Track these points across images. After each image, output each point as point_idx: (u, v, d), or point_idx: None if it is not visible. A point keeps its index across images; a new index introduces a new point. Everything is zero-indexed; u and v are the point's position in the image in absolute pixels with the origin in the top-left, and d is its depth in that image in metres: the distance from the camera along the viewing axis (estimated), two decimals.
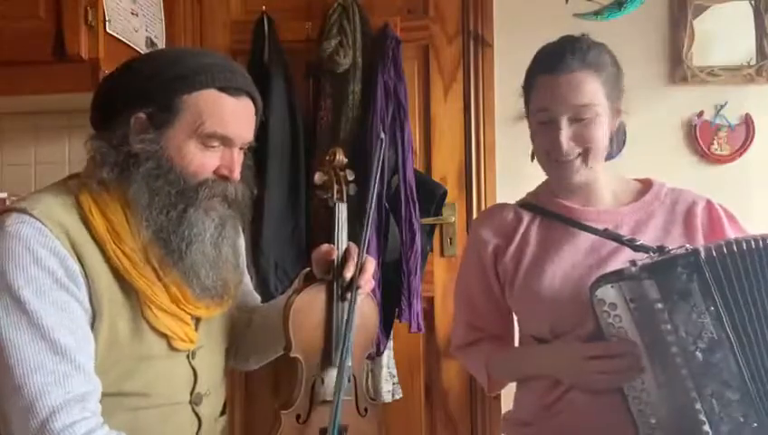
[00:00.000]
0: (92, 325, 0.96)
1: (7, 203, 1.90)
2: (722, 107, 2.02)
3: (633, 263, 1.06)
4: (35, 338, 0.89)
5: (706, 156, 2.03)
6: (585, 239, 1.22)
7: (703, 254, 1.03)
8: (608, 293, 1.06)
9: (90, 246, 0.96)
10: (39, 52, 1.65)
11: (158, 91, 0.99)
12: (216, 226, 1.03)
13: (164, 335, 1.02)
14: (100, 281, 0.96)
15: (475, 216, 2.05)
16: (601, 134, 1.18)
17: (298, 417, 1.14)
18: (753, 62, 2.00)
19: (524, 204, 1.33)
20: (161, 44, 1.99)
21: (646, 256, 1.10)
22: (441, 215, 2.03)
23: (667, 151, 2.01)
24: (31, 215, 0.94)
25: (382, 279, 1.89)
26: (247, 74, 1.07)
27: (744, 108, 2.03)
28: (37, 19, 1.66)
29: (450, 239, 2.07)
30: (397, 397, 1.98)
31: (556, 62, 1.18)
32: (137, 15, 1.85)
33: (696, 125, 2.03)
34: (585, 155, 1.18)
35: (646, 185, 1.29)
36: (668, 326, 1.04)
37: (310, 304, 1.13)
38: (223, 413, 1.19)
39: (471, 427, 2.05)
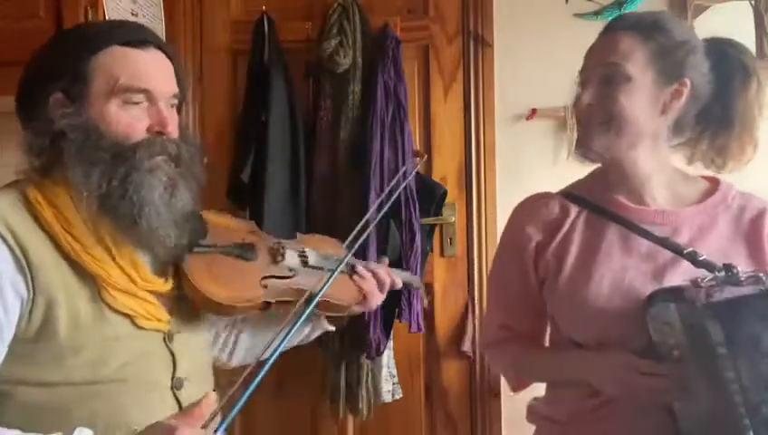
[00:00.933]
0: (47, 312, 0.94)
1: None
2: None
3: (695, 283, 0.96)
4: None
5: None
6: (639, 241, 1.10)
7: None
8: (663, 311, 0.98)
9: (37, 236, 0.95)
10: None
11: (64, 63, 0.97)
12: (164, 185, 1.00)
13: (126, 315, 1.00)
14: (50, 269, 0.95)
15: (475, 216, 2.05)
16: (631, 104, 1.06)
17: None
18: None
19: (572, 195, 1.20)
20: None
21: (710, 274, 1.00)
22: (441, 215, 2.03)
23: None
24: None
25: None
26: (152, 32, 1.06)
27: None
28: (37, 19, 1.66)
29: (450, 239, 2.06)
30: (397, 397, 1.98)
31: (607, 25, 1.12)
32: (137, 16, 1.85)
33: None
34: (609, 123, 1.07)
35: (713, 184, 1.17)
36: (731, 374, 0.93)
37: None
38: None
39: (471, 427, 2.05)
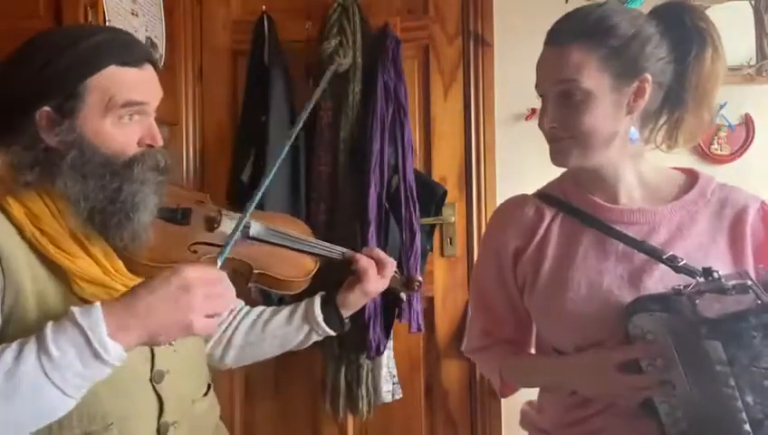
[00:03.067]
0: (16, 299, 0.94)
1: None
2: (722, 107, 2.02)
3: (678, 291, 0.92)
4: None
5: (706, 156, 2.03)
6: (615, 241, 1.07)
7: None
8: (646, 320, 0.95)
9: (6, 228, 0.95)
10: None
11: (57, 81, 0.96)
12: (155, 193, 1.03)
13: None
14: (18, 260, 0.94)
15: (475, 216, 2.05)
16: (594, 117, 1.02)
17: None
18: (753, 62, 2.00)
19: (547, 196, 1.17)
20: (161, 44, 1.99)
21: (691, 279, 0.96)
22: (441, 215, 2.03)
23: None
24: None
25: None
26: (139, 40, 1.06)
27: (744, 108, 2.03)
28: (37, 19, 1.65)
29: (450, 239, 2.07)
30: (397, 397, 1.98)
31: (550, 32, 1.07)
32: (137, 15, 1.85)
33: None
34: (575, 138, 1.04)
35: (691, 178, 1.12)
36: (733, 392, 0.90)
37: None
38: (206, 393, 1.18)
39: (471, 427, 2.05)
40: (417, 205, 1.90)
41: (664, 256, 1.02)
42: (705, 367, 0.92)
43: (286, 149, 1.14)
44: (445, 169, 2.07)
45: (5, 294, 0.94)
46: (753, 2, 2.01)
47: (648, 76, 1.02)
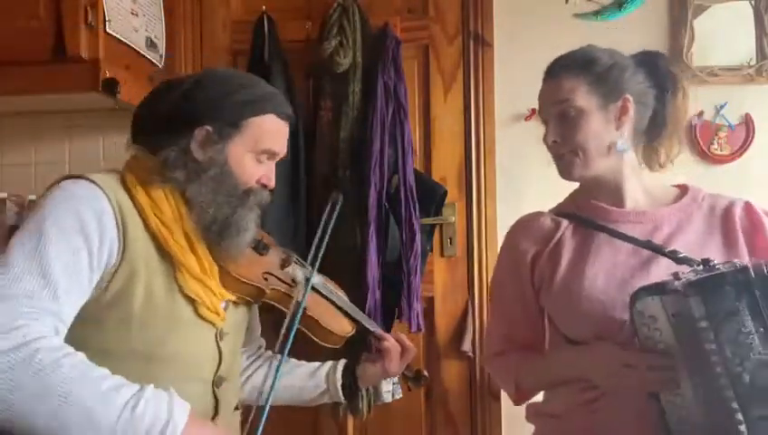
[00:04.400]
0: (127, 282, 1.06)
1: (7, 204, 1.89)
2: (722, 107, 2.02)
3: (676, 276, 1.03)
4: (33, 257, 0.97)
5: (706, 156, 2.03)
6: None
7: (752, 271, 1.00)
8: (648, 305, 1.05)
9: (133, 213, 1.09)
10: (39, 52, 1.65)
11: (229, 110, 1.15)
12: (255, 222, 1.20)
13: (192, 300, 1.12)
14: (138, 244, 1.07)
15: (475, 216, 2.05)
16: (588, 131, 1.22)
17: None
18: (753, 62, 2.00)
19: (561, 212, 1.33)
20: (161, 44, 1.99)
21: (689, 268, 1.07)
22: (441, 215, 2.03)
23: None
24: (87, 179, 1.07)
25: (382, 279, 1.89)
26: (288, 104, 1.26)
27: (744, 108, 2.03)
28: (37, 19, 1.65)
29: (450, 239, 2.07)
30: (397, 397, 1.96)
31: (547, 70, 1.28)
32: (137, 15, 1.85)
33: (695, 125, 2.03)
34: (575, 151, 1.22)
35: (682, 189, 1.30)
36: (713, 346, 1.00)
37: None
38: (236, 408, 1.26)
39: (471, 427, 2.05)
40: (417, 205, 1.90)
41: (666, 251, 1.16)
42: (691, 333, 1.02)
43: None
44: (445, 169, 2.07)
45: (117, 273, 1.06)
46: (753, 2, 2.01)
47: (629, 97, 1.23)
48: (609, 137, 1.22)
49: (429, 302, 2.06)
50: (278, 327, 1.24)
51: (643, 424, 1.12)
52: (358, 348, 1.44)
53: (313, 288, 1.31)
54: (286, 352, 1.21)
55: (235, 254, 1.17)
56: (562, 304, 1.23)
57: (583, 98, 1.22)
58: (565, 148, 1.24)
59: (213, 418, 1.16)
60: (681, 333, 1.03)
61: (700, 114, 2.03)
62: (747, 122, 2.03)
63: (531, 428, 1.33)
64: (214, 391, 1.16)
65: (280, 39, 1.99)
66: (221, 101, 1.15)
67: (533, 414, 1.33)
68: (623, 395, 1.14)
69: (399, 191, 1.89)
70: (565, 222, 1.29)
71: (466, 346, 2.01)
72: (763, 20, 2.00)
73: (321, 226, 1.30)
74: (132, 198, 1.10)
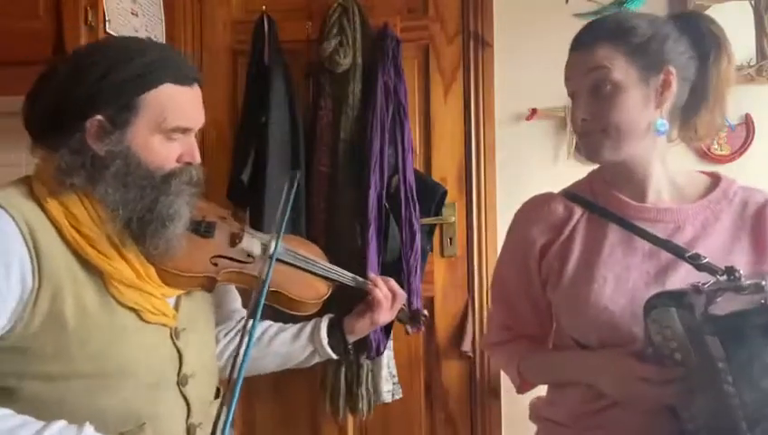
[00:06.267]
0: (54, 302, 0.97)
1: None
2: None
3: (697, 288, 0.93)
4: None
5: (706, 156, 2.03)
6: (641, 239, 1.10)
7: None
8: (664, 315, 0.96)
9: (45, 227, 0.98)
10: (39, 52, 1.65)
11: (113, 93, 1.00)
12: (187, 204, 1.07)
13: (132, 309, 1.03)
14: (55, 261, 0.97)
15: (475, 216, 2.05)
16: (625, 109, 1.06)
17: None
18: (753, 62, 2.00)
19: (575, 196, 1.19)
20: None
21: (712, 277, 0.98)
22: (441, 215, 2.03)
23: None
24: None
25: None
26: (192, 65, 1.11)
27: (744, 108, 2.03)
28: (37, 19, 1.66)
29: (450, 239, 2.06)
30: (397, 397, 1.98)
31: (573, 41, 1.13)
32: (137, 15, 1.85)
33: None
34: (607, 130, 1.07)
35: (714, 179, 1.16)
36: (731, 389, 0.92)
37: None
38: (217, 397, 1.20)
39: (471, 427, 2.05)
40: (417, 205, 1.90)
41: (687, 255, 1.04)
42: (709, 360, 0.93)
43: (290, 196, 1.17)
44: (445, 169, 2.07)
45: (39, 296, 0.96)
46: (753, 2, 2.01)
47: (672, 69, 1.07)
48: (648, 116, 1.07)
49: (429, 302, 2.06)
50: (248, 299, 1.15)
51: None
52: (342, 302, 1.36)
53: (277, 260, 1.18)
54: (255, 333, 1.11)
55: (166, 248, 1.04)
56: (568, 307, 1.14)
57: (621, 70, 1.05)
58: (596, 127, 1.08)
59: (187, 418, 1.10)
60: (698, 355, 0.95)
61: None
62: (747, 122, 2.03)
63: (531, 428, 1.32)
64: (181, 391, 1.09)
65: (280, 39, 1.99)
66: (104, 83, 0.99)
67: (537, 416, 1.27)
68: (634, 409, 1.05)
69: (399, 191, 1.89)
70: (579, 210, 1.16)
71: (466, 346, 2.01)
72: (763, 20, 1.99)
73: (282, 200, 1.13)
74: (44, 209, 0.99)
